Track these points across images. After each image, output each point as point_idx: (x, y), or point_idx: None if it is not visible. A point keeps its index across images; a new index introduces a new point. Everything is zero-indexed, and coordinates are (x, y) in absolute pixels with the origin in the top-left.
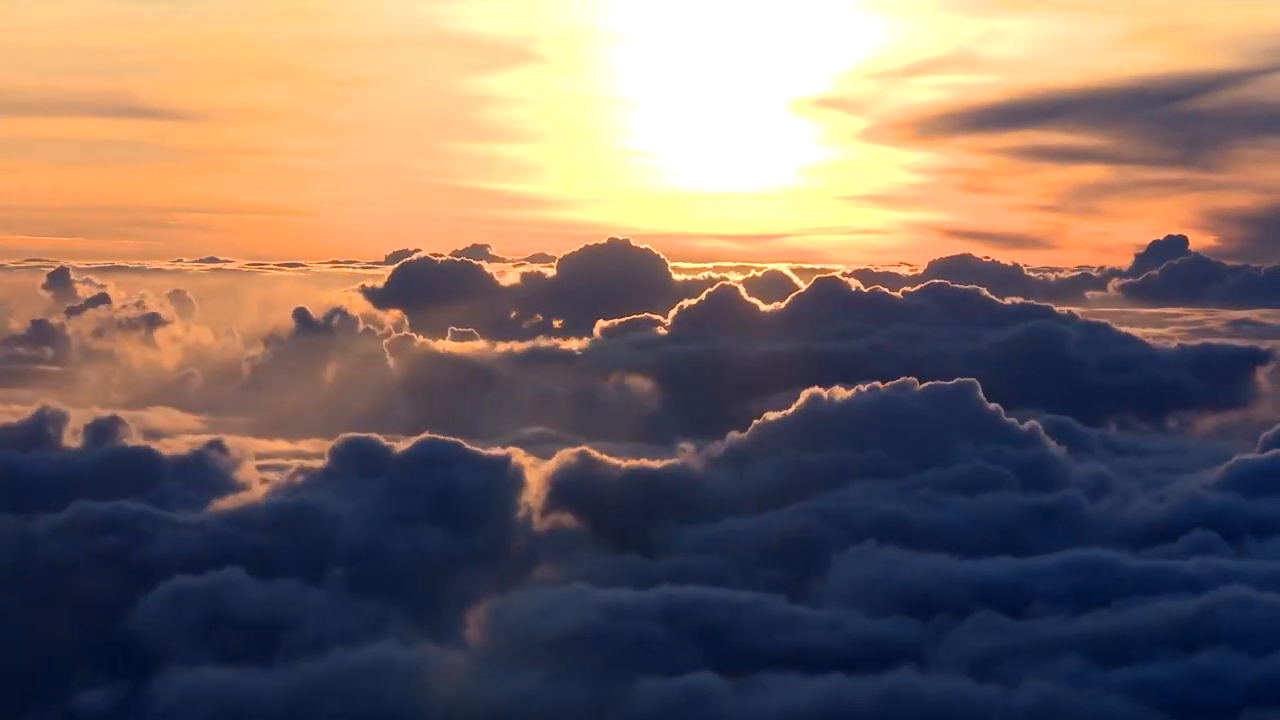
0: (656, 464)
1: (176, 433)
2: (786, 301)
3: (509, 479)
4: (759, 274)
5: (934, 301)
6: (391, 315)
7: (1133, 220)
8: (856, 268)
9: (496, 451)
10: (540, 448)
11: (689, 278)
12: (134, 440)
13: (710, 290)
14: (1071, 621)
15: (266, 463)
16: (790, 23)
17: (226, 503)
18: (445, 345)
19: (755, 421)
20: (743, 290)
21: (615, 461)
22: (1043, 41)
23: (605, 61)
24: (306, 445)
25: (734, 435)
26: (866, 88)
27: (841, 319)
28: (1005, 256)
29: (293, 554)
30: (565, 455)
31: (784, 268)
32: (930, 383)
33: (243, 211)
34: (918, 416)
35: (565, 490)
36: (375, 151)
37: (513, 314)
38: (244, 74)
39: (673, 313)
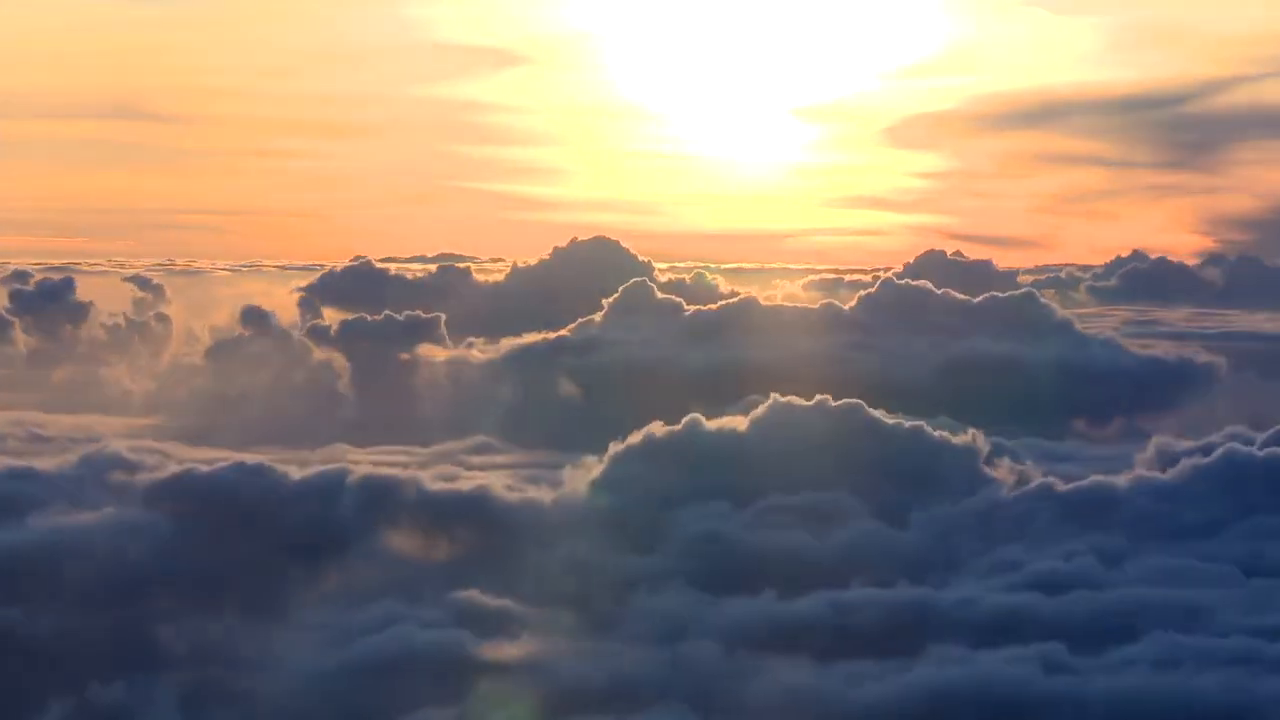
0: (475, 487)
1: (111, 438)
2: (720, 307)
3: (322, 502)
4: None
5: (886, 308)
6: (342, 318)
7: (1133, 224)
8: (849, 269)
9: (316, 470)
10: (475, 457)
11: (674, 278)
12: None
13: (629, 297)
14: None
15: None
16: (794, 26)
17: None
18: (395, 350)
19: (614, 446)
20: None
21: (442, 484)
22: (1045, 45)
23: (607, 66)
24: (247, 455)
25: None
26: (869, 91)
27: (784, 328)
28: (1006, 259)
29: (50, 585)
30: (375, 473)
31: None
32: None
33: (245, 213)
34: (793, 440)
35: (376, 515)
36: (377, 155)
37: (478, 317)
38: (243, 77)
39: (608, 317)
